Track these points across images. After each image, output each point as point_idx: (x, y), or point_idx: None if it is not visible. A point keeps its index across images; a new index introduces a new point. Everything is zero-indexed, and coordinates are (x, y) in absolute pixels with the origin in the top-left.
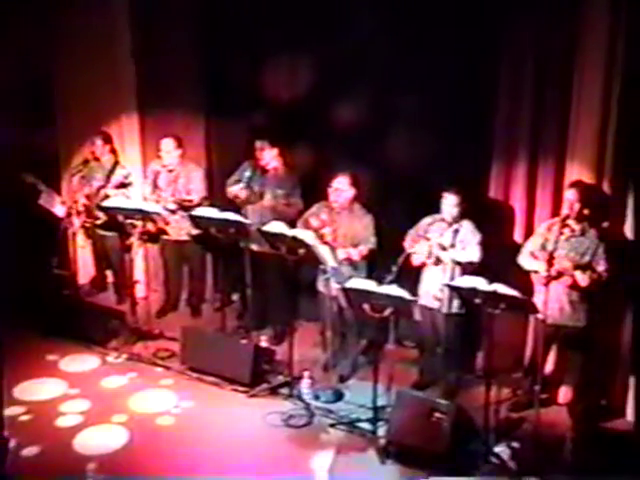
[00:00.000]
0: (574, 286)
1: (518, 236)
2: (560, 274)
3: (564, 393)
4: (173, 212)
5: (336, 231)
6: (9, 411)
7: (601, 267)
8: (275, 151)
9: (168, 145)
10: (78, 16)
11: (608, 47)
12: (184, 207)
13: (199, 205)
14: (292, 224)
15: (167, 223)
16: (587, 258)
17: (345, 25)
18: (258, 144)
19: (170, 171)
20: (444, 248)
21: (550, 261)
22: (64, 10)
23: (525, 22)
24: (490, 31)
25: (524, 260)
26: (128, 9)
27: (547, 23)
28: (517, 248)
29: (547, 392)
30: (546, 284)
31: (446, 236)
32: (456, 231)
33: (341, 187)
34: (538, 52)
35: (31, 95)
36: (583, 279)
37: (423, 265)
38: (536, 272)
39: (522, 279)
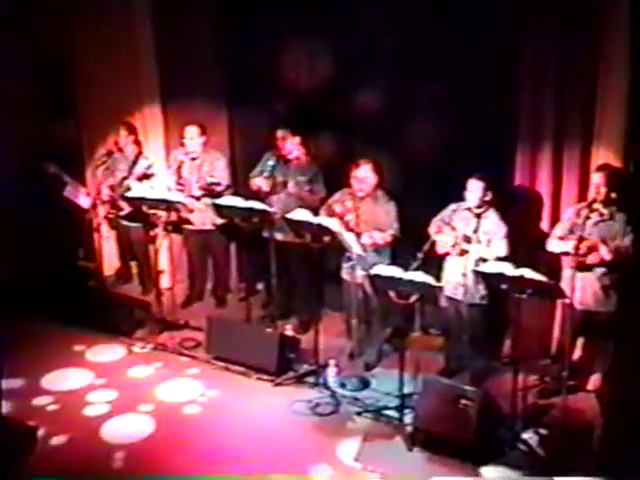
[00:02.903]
0: (604, 266)
1: (545, 221)
2: (590, 250)
3: (593, 380)
4: (198, 199)
5: (359, 217)
6: (37, 401)
7: (627, 241)
8: (297, 140)
9: (192, 132)
10: (98, 6)
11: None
12: (210, 192)
13: (224, 191)
14: (315, 213)
15: (191, 211)
16: (617, 241)
17: (364, 11)
18: (280, 133)
19: (193, 159)
20: (469, 240)
21: (580, 240)
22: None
23: (548, 11)
24: (513, 16)
25: (553, 245)
26: None
27: (570, 13)
28: (545, 235)
29: (575, 379)
30: (575, 266)
31: (471, 225)
32: (480, 218)
33: (366, 175)
34: (562, 35)
35: (53, 86)
36: (607, 252)
37: (447, 254)
38: (566, 254)
39: (550, 266)
